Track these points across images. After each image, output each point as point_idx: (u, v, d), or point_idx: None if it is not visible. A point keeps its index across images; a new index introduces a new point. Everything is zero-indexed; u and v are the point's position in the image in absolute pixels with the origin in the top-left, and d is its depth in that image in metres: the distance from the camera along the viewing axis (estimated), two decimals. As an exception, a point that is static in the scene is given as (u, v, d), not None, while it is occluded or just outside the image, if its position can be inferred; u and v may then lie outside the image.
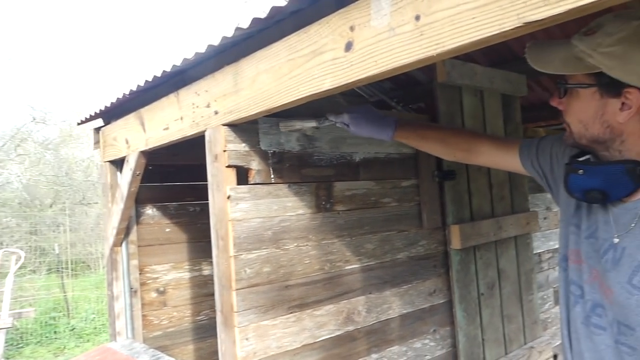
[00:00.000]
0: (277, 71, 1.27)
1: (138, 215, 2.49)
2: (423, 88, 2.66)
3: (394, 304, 1.94)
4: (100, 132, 2.42)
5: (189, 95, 1.68)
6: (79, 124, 2.53)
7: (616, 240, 1.04)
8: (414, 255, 2.04)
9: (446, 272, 2.16)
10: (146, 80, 1.78)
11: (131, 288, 2.42)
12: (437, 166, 2.14)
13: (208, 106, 1.57)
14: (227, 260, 1.51)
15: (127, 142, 2.15)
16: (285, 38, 1.25)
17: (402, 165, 2.03)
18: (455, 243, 2.12)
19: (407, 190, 2.04)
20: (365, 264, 1.85)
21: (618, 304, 1.02)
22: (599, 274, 1.08)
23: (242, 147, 1.54)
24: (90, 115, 2.36)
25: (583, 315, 1.13)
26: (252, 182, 1.56)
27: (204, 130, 1.59)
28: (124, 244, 2.39)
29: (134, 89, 1.88)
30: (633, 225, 1.01)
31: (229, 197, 1.50)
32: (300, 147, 1.69)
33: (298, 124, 1.58)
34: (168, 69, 1.64)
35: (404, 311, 1.98)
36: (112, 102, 2.09)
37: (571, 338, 1.18)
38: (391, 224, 1.95)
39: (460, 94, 2.25)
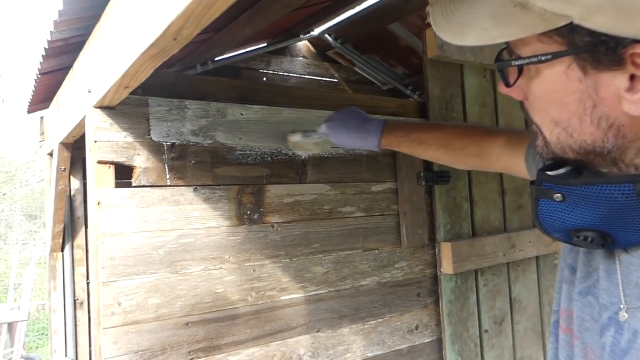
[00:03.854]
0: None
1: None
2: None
3: (354, 345, 1.49)
4: (43, 120, 2.13)
5: (77, 72, 1.31)
6: (28, 112, 2.24)
7: (624, 315, 0.56)
8: (388, 281, 1.57)
9: (435, 302, 1.68)
10: (42, 55, 1.43)
11: (76, 299, 2.11)
12: (425, 166, 1.66)
13: (86, 83, 1.19)
14: (96, 288, 1.13)
15: (54, 132, 1.83)
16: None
17: (372, 165, 1.57)
18: (447, 266, 1.64)
19: (380, 196, 1.57)
20: (312, 293, 1.41)
21: None
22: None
23: (122, 137, 1.15)
24: (31, 100, 2.06)
25: None
26: (136, 185, 1.17)
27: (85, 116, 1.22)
28: (67, 249, 2.08)
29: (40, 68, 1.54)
30: None
31: (99, 204, 1.12)
32: (212, 139, 1.28)
33: (292, 138, 1.32)
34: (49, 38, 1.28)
35: (370, 354, 1.52)
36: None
37: None
38: (354, 240, 1.50)
39: (461, 74, 1.75)
